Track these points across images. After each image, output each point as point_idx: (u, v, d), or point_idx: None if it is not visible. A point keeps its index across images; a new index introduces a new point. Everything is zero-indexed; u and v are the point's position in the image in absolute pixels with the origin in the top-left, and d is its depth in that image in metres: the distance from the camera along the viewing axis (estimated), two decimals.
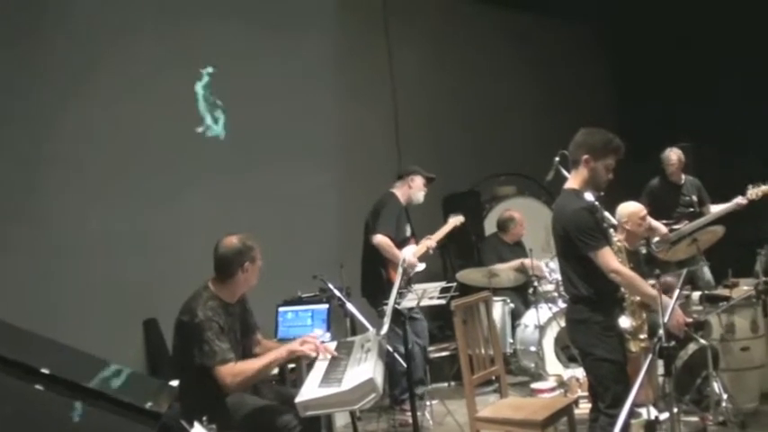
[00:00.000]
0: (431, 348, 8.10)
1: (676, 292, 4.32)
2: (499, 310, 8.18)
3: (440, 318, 8.95)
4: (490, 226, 9.46)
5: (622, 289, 4.88)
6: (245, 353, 5.06)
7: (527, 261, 8.34)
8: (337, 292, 6.40)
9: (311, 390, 4.52)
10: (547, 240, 7.77)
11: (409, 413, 6.23)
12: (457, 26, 10.96)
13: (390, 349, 5.75)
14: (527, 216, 9.12)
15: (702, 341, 5.92)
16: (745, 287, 6.56)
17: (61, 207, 6.96)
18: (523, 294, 8.48)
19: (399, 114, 10.14)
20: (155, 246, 7.50)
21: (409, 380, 6.02)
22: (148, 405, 3.93)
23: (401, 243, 7.34)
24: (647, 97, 11.82)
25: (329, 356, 4.97)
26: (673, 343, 3.71)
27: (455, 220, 7.71)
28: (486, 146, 11.03)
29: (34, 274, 6.68)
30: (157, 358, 7.35)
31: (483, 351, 5.77)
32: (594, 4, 11.64)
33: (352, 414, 5.67)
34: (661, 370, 5.91)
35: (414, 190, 7.51)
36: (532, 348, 7.90)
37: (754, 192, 7.83)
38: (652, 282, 4.68)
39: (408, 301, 6.28)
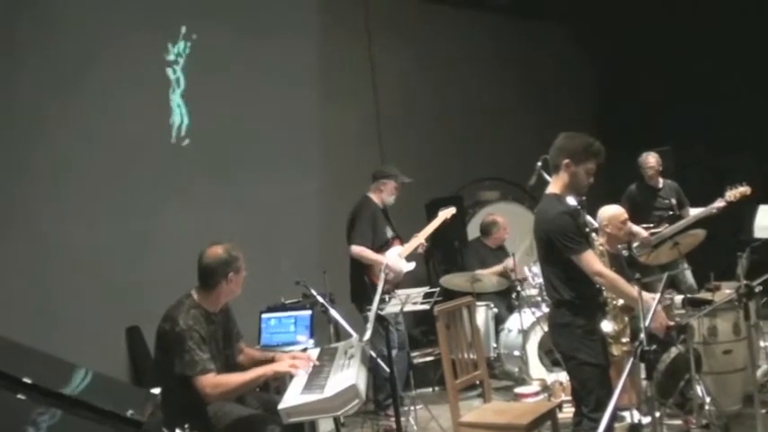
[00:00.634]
0: (415, 353, 8.10)
1: (658, 295, 4.32)
2: (483, 314, 8.18)
3: (424, 323, 8.96)
4: (473, 231, 9.47)
5: (605, 293, 4.89)
6: (228, 362, 5.04)
7: (509, 263, 8.35)
8: (320, 299, 6.39)
9: (294, 396, 4.51)
10: (530, 245, 7.78)
11: (393, 418, 6.22)
12: (439, 31, 10.97)
13: (374, 355, 5.73)
14: (510, 221, 9.13)
15: (680, 347, 5.93)
16: (727, 290, 6.57)
17: (45, 217, 6.94)
18: (507, 299, 8.49)
19: (382, 120, 10.15)
20: (138, 253, 7.48)
21: (392, 385, 6.01)
22: (130, 413, 3.89)
23: (383, 246, 7.35)
24: (629, 100, 11.88)
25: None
26: (654, 347, 3.71)
27: (446, 213, 7.71)
28: (469, 151, 11.05)
29: (17, 282, 6.64)
30: (141, 366, 7.33)
31: (466, 356, 5.77)
32: (576, 7, 11.69)
33: (336, 420, 5.67)
34: (644, 373, 5.92)
35: (385, 194, 7.50)
36: (516, 353, 7.90)
37: (731, 194, 7.88)
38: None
39: (392, 307, 6.28)
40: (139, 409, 4.08)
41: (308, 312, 6.90)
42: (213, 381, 4.67)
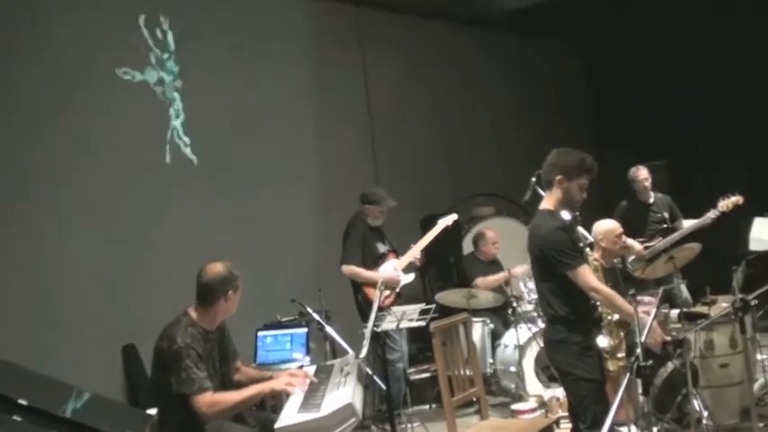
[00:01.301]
0: (411, 370, 8.08)
1: (654, 310, 4.33)
2: (479, 330, 8.17)
3: (420, 339, 8.94)
4: (468, 246, 9.46)
5: (600, 308, 4.89)
6: (224, 381, 5.02)
7: (514, 270, 8.33)
8: (316, 316, 6.38)
9: (290, 415, 4.50)
10: (525, 260, 7.80)
11: None
12: (433, 46, 10.99)
13: (370, 372, 5.73)
14: (505, 236, 9.12)
15: (676, 362, 5.93)
16: (723, 304, 6.57)
17: (42, 234, 6.92)
18: (503, 315, 8.48)
19: (376, 136, 10.15)
20: (134, 271, 7.46)
21: (389, 402, 6.01)
22: None
23: (375, 262, 7.35)
24: (624, 116, 11.91)
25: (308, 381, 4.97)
26: (650, 362, 3.71)
27: (445, 221, 7.72)
28: (463, 166, 11.06)
29: (14, 301, 6.62)
30: (137, 384, 7.30)
31: (463, 372, 5.76)
32: (570, 23, 11.73)
33: None
34: (641, 388, 5.91)
35: (371, 218, 7.52)
36: (512, 369, 7.89)
37: (724, 204, 7.89)
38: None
39: (387, 324, 6.28)
40: (136, 430, 4.07)
41: (304, 330, 6.90)
42: (210, 399, 4.66)
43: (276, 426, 4.40)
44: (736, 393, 6.36)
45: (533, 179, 6.93)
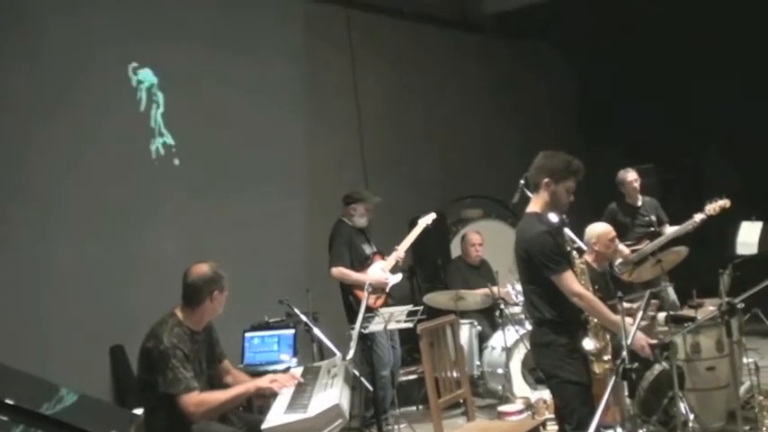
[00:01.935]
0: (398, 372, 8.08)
1: (639, 315, 4.34)
2: (466, 332, 8.17)
3: (408, 341, 8.94)
4: (457, 249, 9.47)
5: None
6: (212, 382, 5.03)
7: (495, 289, 8.35)
8: (304, 317, 6.38)
9: (277, 416, 4.50)
10: (513, 263, 7.82)
11: None
12: (422, 50, 11.01)
13: (357, 374, 5.72)
14: (494, 238, 9.13)
15: (664, 365, 5.93)
16: (710, 307, 6.59)
17: (29, 236, 6.92)
18: (490, 317, 8.47)
19: (365, 138, 10.16)
20: (122, 272, 7.46)
21: (376, 404, 6.00)
22: None
23: (363, 263, 7.35)
24: (613, 119, 11.94)
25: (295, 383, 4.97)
26: (636, 364, 3.72)
27: (425, 220, 7.72)
28: (452, 169, 11.08)
29: (1, 301, 6.60)
30: (124, 385, 7.30)
31: (450, 374, 5.76)
32: (559, 27, 11.76)
33: None
34: (626, 391, 5.93)
35: (356, 217, 7.50)
36: (500, 371, 7.89)
37: (711, 207, 7.90)
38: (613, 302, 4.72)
39: (375, 325, 6.28)
40: (122, 430, 4.06)
41: (292, 331, 6.89)
42: (197, 399, 4.65)
43: (263, 426, 4.40)
44: (722, 396, 6.37)
45: (522, 182, 6.95)
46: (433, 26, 11.26)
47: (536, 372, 7.32)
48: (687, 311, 6.71)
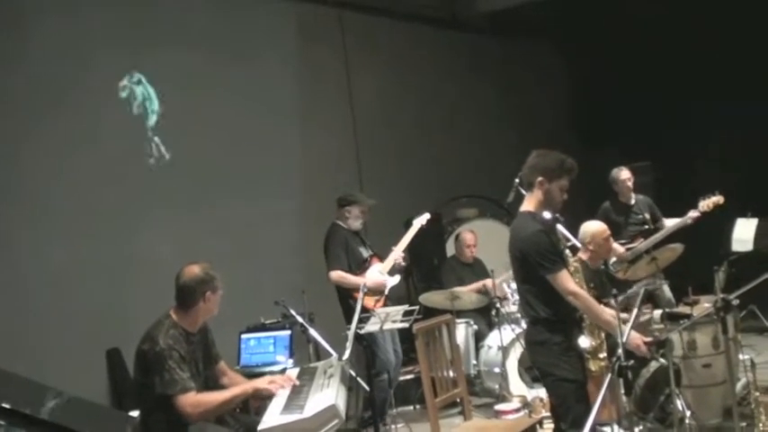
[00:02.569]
0: None
1: (633, 313, 4.35)
2: (462, 331, 8.17)
3: (404, 341, 8.94)
4: (452, 248, 9.48)
5: None
6: (208, 383, 5.03)
7: (489, 282, 8.37)
8: (300, 318, 6.38)
9: (273, 417, 4.51)
10: (508, 262, 7.83)
11: None
12: (416, 51, 11.00)
13: (353, 374, 5.72)
14: (489, 238, 9.14)
15: (662, 360, 5.94)
16: (705, 304, 6.60)
17: (24, 239, 6.89)
18: (487, 316, 8.49)
19: (360, 138, 10.15)
20: (118, 275, 7.43)
21: (372, 405, 6.00)
22: None
23: (360, 266, 7.34)
24: (609, 117, 11.94)
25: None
26: (632, 362, 3.73)
27: (419, 221, 7.72)
28: (447, 168, 11.08)
29: None
30: (121, 388, 7.27)
31: (446, 374, 5.77)
32: (553, 25, 11.77)
33: None
34: (622, 389, 5.94)
35: (351, 219, 7.48)
36: (496, 369, 7.90)
37: (705, 204, 7.92)
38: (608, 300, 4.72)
39: (371, 325, 6.28)
40: None
41: (288, 332, 6.90)
42: (194, 400, 4.66)
43: (260, 427, 4.41)
44: (718, 393, 6.39)
45: (517, 181, 6.94)
46: (427, 26, 11.26)
47: (532, 370, 7.36)
48: (683, 309, 6.71)
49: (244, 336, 7.00)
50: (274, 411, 4.60)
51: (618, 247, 7.89)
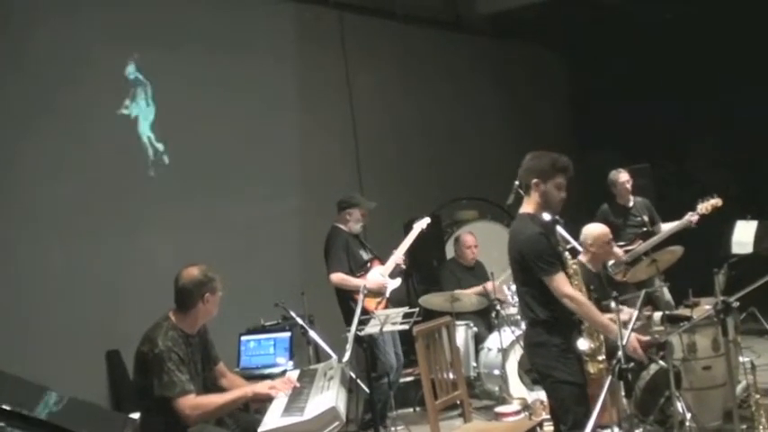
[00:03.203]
0: None
1: (634, 314, 4.34)
2: (462, 334, 8.16)
3: (404, 343, 8.94)
4: (452, 250, 9.47)
5: None
6: (207, 385, 5.03)
7: (489, 285, 8.36)
8: (300, 320, 6.37)
9: (274, 419, 4.51)
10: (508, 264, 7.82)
11: None
12: (416, 52, 10.99)
13: (353, 376, 5.72)
14: (489, 240, 9.13)
15: (662, 363, 5.93)
16: (705, 306, 6.59)
17: (22, 241, 6.88)
18: (486, 318, 8.48)
19: (359, 139, 10.14)
20: (117, 277, 7.43)
21: (373, 408, 5.99)
22: None
23: (360, 268, 7.33)
24: (608, 118, 11.94)
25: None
26: (632, 364, 3.72)
27: (420, 225, 7.70)
28: (447, 170, 11.06)
29: None
30: (121, 390, 7.26)
31: (446, 376, 5.75)
32: (553, 27, 11.76)
33: None
34: (623, 391, 5.93)
35: (351, 222, 7.47)
36: (496, 372, 7.89)
37: (703, 206, 7.92)
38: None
39: (371, 327, 6.27)
40: None
41: (288, 334, 6.88)
42: (193, 402, 4.66)
43: (260, 429, 4.42)
44: (718, 395, 6.37)
45: (516, 183, 6.89)
46: (427, 27, 11.25)
47: (532, 373, 7.33)
48: (683, 311, 6.71)
49: (244, 338, 6.98)
50: (275, 413, 4.60)
51: (616, 249, 7.88)
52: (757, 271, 5.24)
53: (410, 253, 7.71)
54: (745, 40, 10.52)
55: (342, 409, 4.50)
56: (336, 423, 4.39)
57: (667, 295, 7.90)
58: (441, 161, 11.05)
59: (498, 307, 7.90)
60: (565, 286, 4.65)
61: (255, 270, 8.33)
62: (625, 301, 5.68)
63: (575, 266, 5.11)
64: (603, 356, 5.12)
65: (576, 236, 6.63)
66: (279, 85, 9.28)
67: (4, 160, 6.81)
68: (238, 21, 8.77)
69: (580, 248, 6.69)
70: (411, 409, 8.20)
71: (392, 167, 10.38)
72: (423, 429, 7.12)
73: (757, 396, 5.53)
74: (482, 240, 9.04)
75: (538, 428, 5.81)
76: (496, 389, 7.91)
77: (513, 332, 7.75)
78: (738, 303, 4.97)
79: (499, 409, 7.44)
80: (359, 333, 5.78)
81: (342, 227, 7.45)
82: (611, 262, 7.66)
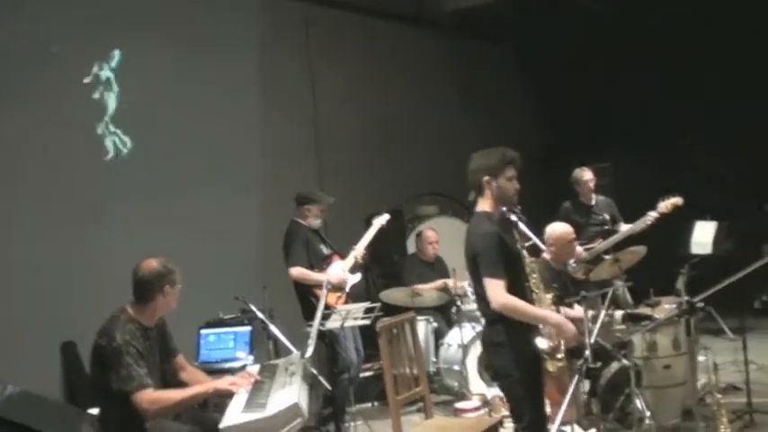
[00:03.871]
0: None
1: (602, 313, 4.33)
2: (422, 329, 8.14)
3: (363, 337, 8.91)
4: (413, 245, 9.46)
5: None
6: (166, 378, 4.97)
7: (450, 281, 8.35)
8: (260, 314, 6.31)
9: (235, 415, 4.45)
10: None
11: None
12: (379, 47, 10.96)
13: (315, 372, 5.66)
14: (450, 235, 9.12)
15: (625, 361, 5.95)
16: (665, 306, 6.64)
17: None
18: (446, 314, 8.49)
19: (321, 134, 10.10)
20: (73, 268, 7.31)
21: (335, 405, 5.95)
22: None
23: (320, 263, 7.28)
24: (571, 116, 11.99)
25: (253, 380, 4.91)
26: (599, 364, 3.71)
27: (380, 221, 7.69)
28: (409, 165, 11.05)
29: None
30: (76, 383, 7.15)
31: (407, 371, 5.72)
32: (518, 23, 11.79)
33: None
34: (586, 389, 5.96)
35: (311, 218, 7.41)
36: (456, 367, 7.90)
37: (664, 205, 7.96)
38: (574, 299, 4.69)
39: (332, 322, 6.23)
40: (71, 427, 3.98)
41: (248, 328, 6.82)
42: (151, 396, 4.61)
43: (221, 426, 4.36)
44: (677, 394, 6.42)
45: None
46: (391, 22, 11.22)
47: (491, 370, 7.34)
48: (644, 310, 6.74)
49: (203, 331, 6.90)
50: (236, 409, 4.54)
51: (577, 247, 7.89)
52: (716, 271, 5.29)
53: (370, 248, 7.68)
54: (714, 39, 10.63)
55: (304, 405, 4.47)
56: (299, 420, 4.35)
57: (626, 294, 7.94)
58: (402, 156, 11.03)
59: (459, 303, 7.90)
60: (500, 295, 4.53)
61: (214, 263, 8.24)
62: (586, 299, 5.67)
63: (533, 265, 5.10)
64: (563, 355, 5.11)
65: (539, 233, 6.65)
66: (241, 78, 9.20)
67: None
68: (201, 13, 8.67)
69: (543, 246, 6.70)
70: (369, 404, 8.18)
71: (354, 162, 10.35)
72: (381, 424, 7.12)
73: (719, 396, 5.56)
74: (443, 236, 9.04)
75: (499, 425, 5.78)
76: (456, 384, 7.93)
77: (473, 328, 7.77)
78: (703, 303, 5.01)
79: (459, 404, 7.47)
80: (321, 328, 5.73)
81: (301, 221, 7.39)
82: (571, 260, 7.68)
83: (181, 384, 5.06)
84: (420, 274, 8.74)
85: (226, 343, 6.80)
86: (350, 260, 7.40)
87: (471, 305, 8.02)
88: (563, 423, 5.78)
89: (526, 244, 5.26)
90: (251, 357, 6.58)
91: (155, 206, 7.98)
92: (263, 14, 9.50)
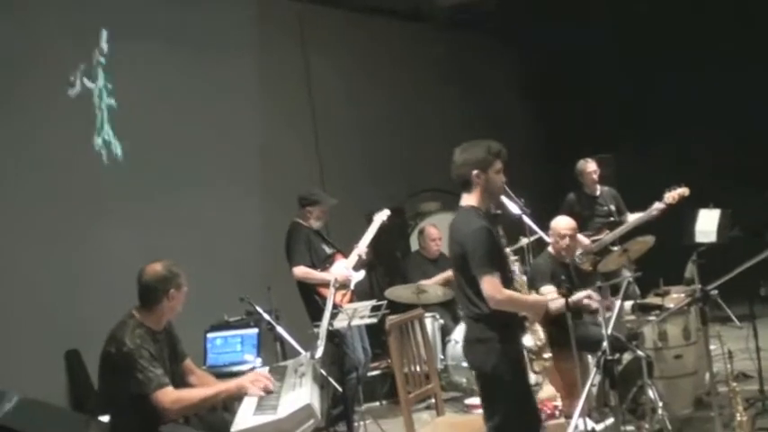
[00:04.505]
0: None
1: (617, 304, 4.29)
2: (429, 326, 8.08)
3: (369, 336, 8.88)
4: (416, 242, 9.43)
5: None
6: (176, 381, 4.91)
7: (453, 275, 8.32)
8: (266, 315, 6.27)
9: (246, 419, 4.40)
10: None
11: None
12: (377, 44, 10.93)
13: (324, 373, 5.62)
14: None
15: (639, 352, 5.89)
16: (674, 295, 6.61)
17: None
18: (452, 310, 8.44)
19: (320, 132, 10.05)
20: (74, 274, 7.26)
21: (345, 405, 5.92)
22: None
23: (323, 262, 7.25)
24: (571, 109, 11.96)
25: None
26: (617, 355, 3.66)
27: (380, 216, 7.66)
28: (409, 162, 11.02)
29: None
30: (81, 391, 7.11)
31: (417, 369, 5.67)
32: (514, 19, 11.74)
33: None
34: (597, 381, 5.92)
35: (312, 219, 7.37)
36: (464, 364, 7.82)
37: (670, 195, 7.93)
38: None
39: (339, 322, 6.19)
40: None
41: (255, 330, 6.77)
42: (173, 395, 4.59)
43: (233, 429, 4.33)
44: (689, 383, 6.43)
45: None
46: (387, 18, 11.18)
47: None
48: (654, 299, 6.70)
49: (210, 335, 6.84)
50: (246, 412, 4.50)
51: (583, 238, 7.87)
52: (722, 259, 5.25)
53: (373, 245, 7.65)
54: (709, 32, 10.60)
55: (316, 406, 4.43)
56: (312, 421, 4.31)
57: (633, 285, 7.91)
58: (403, 153, 11.00)
59: None
60: (497, 291, 4.46)
61: (217, 265, 8.21)
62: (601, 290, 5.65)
63: (517, 264, 5.08)
64: (549, 354, 5.04)
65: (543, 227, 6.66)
66: (238, 78, 9.17)
67: None
68: (197, 13, 8.63)
69: (548, 239, 6.68)
70: (377, 403, 8.17)
71: (354, 160, 10.32)
72: (390, 422, 7.10)
73: (734, 384, 5.51)
74: (444, 231, 8.97)
75: None
76: (464, 381, 7.89)
77: None
78: (717, 291, 4.97)
79: (469, 400, 7.47)
80: (329, 328, 5.68)
81: (302, 222, 7.36)
82: (578, 252, 7.64)
83: (189, 388, 5.01)
84: (424, 271, 8.73)
85: (233, 346, 6.74)
86: (353, 258, 7.37)
87: None
88: (570, 417, 5.76)
89: (534, 237, 5.23)
90: (259, 360, 6.53)
91: (156, 209, 7.95)
92: (258, 12, 9.47)
